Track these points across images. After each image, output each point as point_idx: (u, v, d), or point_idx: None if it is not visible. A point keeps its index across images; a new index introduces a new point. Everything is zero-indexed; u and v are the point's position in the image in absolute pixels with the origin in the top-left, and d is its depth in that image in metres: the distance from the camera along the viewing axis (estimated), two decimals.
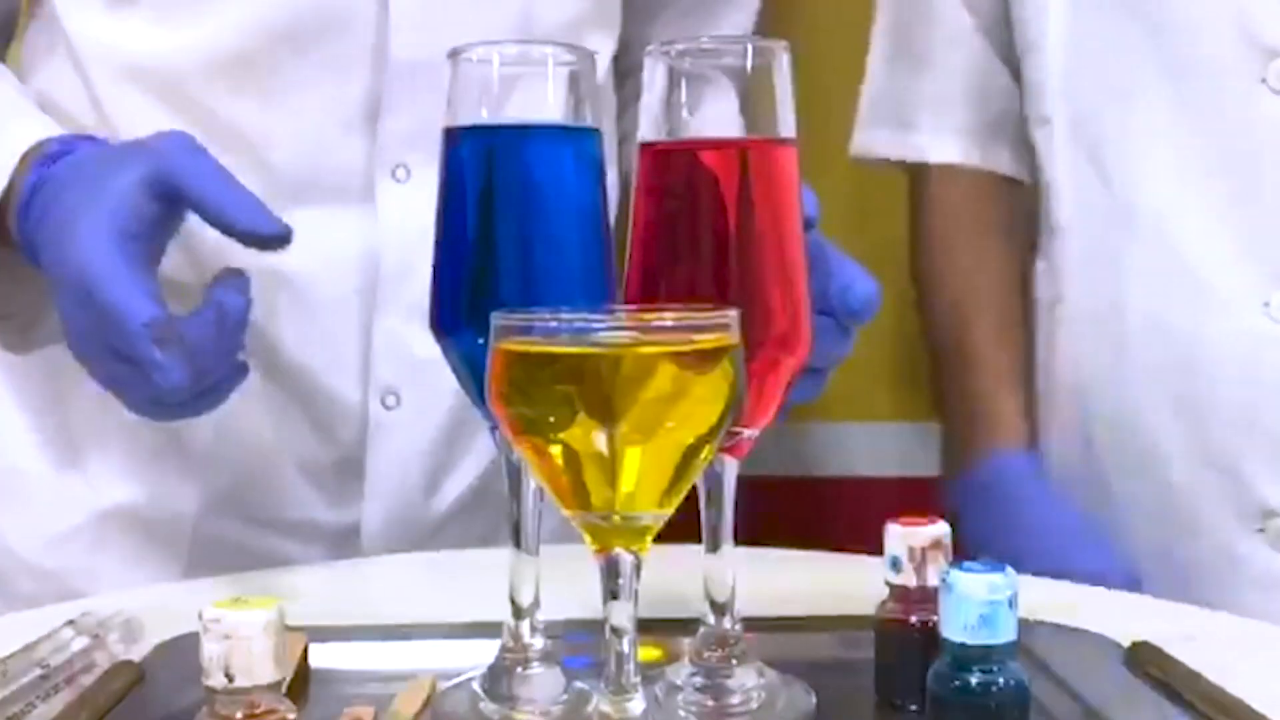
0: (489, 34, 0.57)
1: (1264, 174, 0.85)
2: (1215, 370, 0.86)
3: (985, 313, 1.02)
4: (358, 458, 0.84)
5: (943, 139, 1.03)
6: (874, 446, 1.14)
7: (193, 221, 0.80)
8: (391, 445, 0.84)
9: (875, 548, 0.59)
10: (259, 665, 0.46)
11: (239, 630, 0.45)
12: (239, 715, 0.46)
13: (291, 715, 0.48)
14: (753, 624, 0.59)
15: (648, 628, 0.50)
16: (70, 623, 0.62)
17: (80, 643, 0.61)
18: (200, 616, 0.46)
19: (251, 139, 0.79)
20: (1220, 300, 0.86)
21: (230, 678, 0.46)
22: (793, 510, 1.30)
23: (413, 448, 0.85)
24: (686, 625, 0.59)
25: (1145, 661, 0.60)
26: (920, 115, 1.04)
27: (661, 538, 0.49)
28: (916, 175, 1.08)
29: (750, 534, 0.62)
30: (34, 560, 0.86)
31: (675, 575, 0.58)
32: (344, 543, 0.85)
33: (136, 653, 0.62)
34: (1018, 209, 1.04)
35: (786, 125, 0.56)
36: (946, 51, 1.03)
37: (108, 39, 0.79)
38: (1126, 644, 0.62)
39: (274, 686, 0.47)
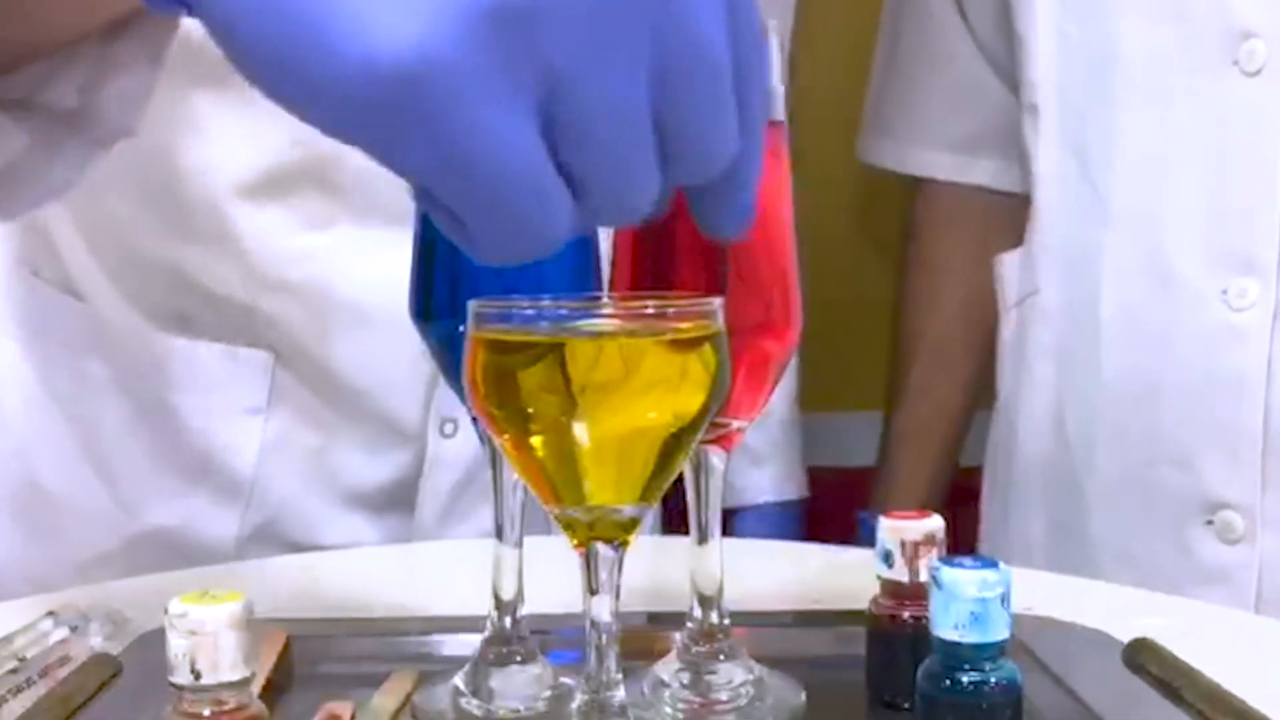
0: None
1: (1230, 157, 0.85)
2: (1175, 360, 0.87)
3: (922, 356, 1.09)
4: (410, 481, 0.84)
5: (922, 152, 1.07)
6: (870, 436, 1.14)
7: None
8: (448, 471, 0.84)
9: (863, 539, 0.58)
10: (226, 662, 0.45)
11: (204, 626, 0.44)
12: (206, 713, 0.45)
13: (262, 714, 0.47)
14: (741, 618, 0.58)
15: (633, 621, 0.49)
16: (50, 614, 0.62)
17: (59, 634, 0.60)
18: (166, 611, 0.45)
19: (318, 153, 0.77)
20: (1186, 291, 0.86)
21: (197, 674, 0.44)
22: None
23: (466, 472, 0.84)
24: (673, 619, 0.57)
25: (1143, 658, 0.59)
26: (903, 126, 1.08)
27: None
28: (909, 186, 1.11)
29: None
30: (66, 585, 0.85)
31: (662, 568, 0.57)
32: None
33: (118, 645, 0.61)
34: (1001, 222, 1.05)
35: (776, 106, 0.55)
36: (935, 63, 1.05)
37: None
38: (1124, 640, 0.61)
39: (242, 683, 0.46)
